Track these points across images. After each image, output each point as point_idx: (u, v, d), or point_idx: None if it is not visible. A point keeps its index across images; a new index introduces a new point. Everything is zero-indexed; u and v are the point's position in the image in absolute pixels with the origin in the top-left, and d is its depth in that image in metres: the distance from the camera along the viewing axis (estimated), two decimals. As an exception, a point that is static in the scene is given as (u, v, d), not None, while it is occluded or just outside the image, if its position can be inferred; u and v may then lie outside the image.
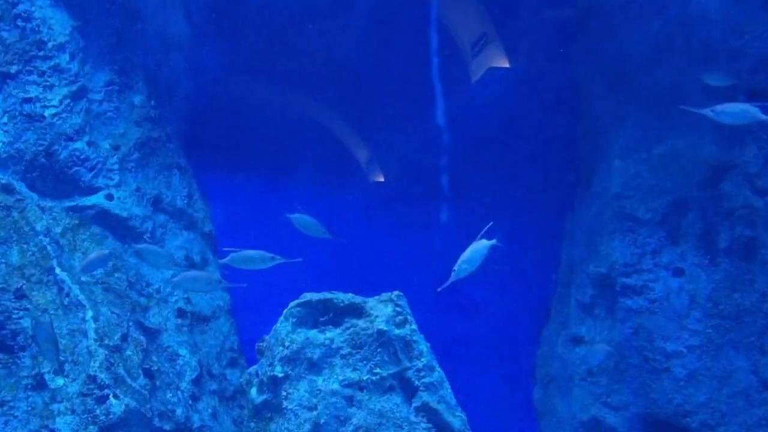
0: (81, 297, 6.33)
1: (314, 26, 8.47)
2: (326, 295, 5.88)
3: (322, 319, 5.84)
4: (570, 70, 8.81)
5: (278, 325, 5.88)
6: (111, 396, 5.90)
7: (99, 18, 7.30)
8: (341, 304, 5.82)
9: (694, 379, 7.29)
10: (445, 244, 8.25)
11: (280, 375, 5.61)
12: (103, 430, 5.81)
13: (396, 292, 5.86)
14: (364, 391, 5.56)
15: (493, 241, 5.50)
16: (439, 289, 5.53)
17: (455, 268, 5.47)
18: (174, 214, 7.60)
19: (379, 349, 5.63)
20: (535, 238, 8.99)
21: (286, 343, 5.68)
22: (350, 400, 5.52)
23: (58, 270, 6.41)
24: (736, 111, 5.91)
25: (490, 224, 5.50)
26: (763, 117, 5.86)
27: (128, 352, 6.32)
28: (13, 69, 6.86)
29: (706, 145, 7.45)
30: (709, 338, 7.31)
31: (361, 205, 8.92)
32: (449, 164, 8.98)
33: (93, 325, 6.21)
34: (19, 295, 6.21)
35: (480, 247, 5.48)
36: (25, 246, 6.43)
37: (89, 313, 6.27)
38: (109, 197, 7.07)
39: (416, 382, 5.61)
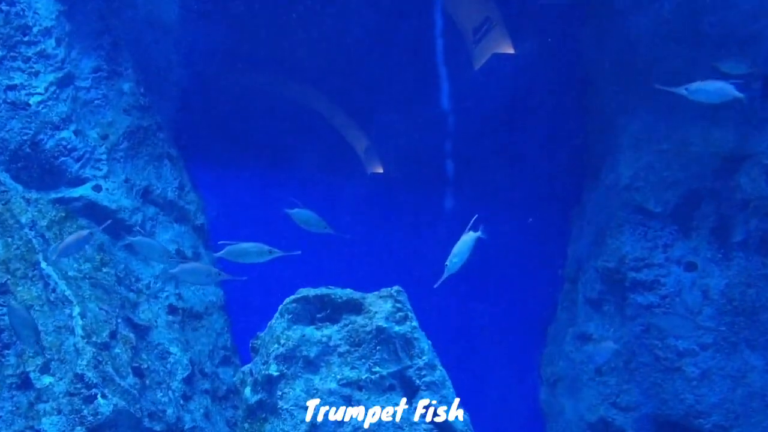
0: (68, 292, 6.29)
1: (310, 8, 8.42)
2: (323, 290, 5.83)
3: (319, 315, 5.79)
4: (577, 56, 8.77)
5: (273, 321, 5.83)
6: (99, 395, 5.86)
7: (85, 1, 7.25)
8: (339, 300, 5.78)
9: (707, 379, 7.27)
10: (447, 238, 8.21)
11: (276, 374, 5.57)
12: (91, 430, 5.77)
13: (396, 288, 5.81)
14: (363, 390, 5.52)
15: (479, 233, 5.57)
16: (435, 285, 5.56)
17: (447, 263, 5.55)
18: (164, 206, 7.56)
19: (378, 347, 5.59)
20: (541, 232, 8.97)
21: (282, 341, 5.64)
22: (348, 400, 5.49)
23: (43, 264, 6.38)
24: (711, 89, 5.93)
25: (476, 216, 5.58)
26: (738, 94, 5.87)
27: (117, 350, 6.28)
28: (-3, 55, 6.84)
29: (720, 134, 7.41)
30: (723, 336, 7.29)
31: (360, 197, 8.89)
32: (451, 155, 8.95)
33: (80, 322, 6.17)
34: (3, 290, 6.18)
35: (467, 239, 5.57)
36: (9, 239, 6.39)
37: (76, 309, 6.22)
38: (97, 188, 7.05)
39: (417, 381, 5.57)
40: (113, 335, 6.33)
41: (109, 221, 6.75)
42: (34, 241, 6.45)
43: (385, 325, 5.60)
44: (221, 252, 6.10)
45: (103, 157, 7.12)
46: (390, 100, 8.98)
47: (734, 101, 5.98)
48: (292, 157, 8.67)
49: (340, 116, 9.12)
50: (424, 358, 5.62)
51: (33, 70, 6.91)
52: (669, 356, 7.40)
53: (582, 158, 8.85)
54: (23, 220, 6.51)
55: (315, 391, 5.50)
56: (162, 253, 6.69)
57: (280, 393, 5.54)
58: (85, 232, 6.11)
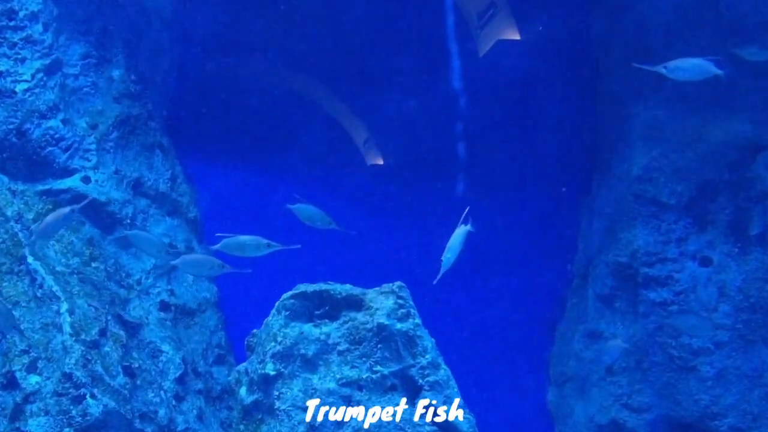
0: (55, 288, 6.25)
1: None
2: (322, 285, 5.82)
3: (317, 312, 5.78)
4: (586, 42, 8.73)
5: (270, 318, 5.82)
6: (88, 396, 5.82)
7: (74, -16, 7.23)
8: (338, 296, 5.76)
9: (723, 379, 7.24)
10: (451, 232, 8.20)
11: (272, 373, 5.55)
12: (80, 432, 5.76)
13: (398, 283, 5.80)
14: (364, 390, 5.50)
15: (468, 227, 5.66)
16: (434, 282, 5.59)
17: (442, 258, 5.62)
18: (156, 198, 7.53)
19: (379, 345, 5.57)
20: (549, 225, 8.94)
21: (279, 339, 5.62)
22: (348, 400, 5.46)
23: (30, 259, 6.34)
24: (690, 66, 5.95)
25: (468, 208, 5.66)
26: (718, 71, 5.89)
27: (107, 348, 6.25)
28: (-19, 41, 6.81)
29: (736, 123, 7.38)
30: (740, 334, 7.26)
31: (359, 190, 8.86)
32: (455, 147, 8.92)
33: (68, 319, 6.13)
34: (-13, 285, 6.15)
35: (458, 233, 5.66)
36: (-6, 233, 6.38)
37: (64, 306, 6.18)
38: (86, 180, 7.01)
39: (420, 381, 5.55)
40: (103, 333, 6.29)
41: (88, 199, 6.62)
42: (20, 234, 6.42)
43: (386, 323, 5.58)
44: (218, 245, 6.07)
45: (92, 147, 7.08)
46: (391, 89, 8.96)
47: (714, 79, 6.00)
48: (288, 148, 8.65)
49: (338, 106, 9.09)
50: (427, 356, 5.60)
51: (19, 56, 6.88)
52: (683, 355, 7.37)
53: (592, 148, 8.81)
54: (9, 212, 6.49)
55: (313, 391, 5.49)
56: (159, 247, 6.64)
57: (277, 393, 5.52)
58: (66, 210, 5.94)
